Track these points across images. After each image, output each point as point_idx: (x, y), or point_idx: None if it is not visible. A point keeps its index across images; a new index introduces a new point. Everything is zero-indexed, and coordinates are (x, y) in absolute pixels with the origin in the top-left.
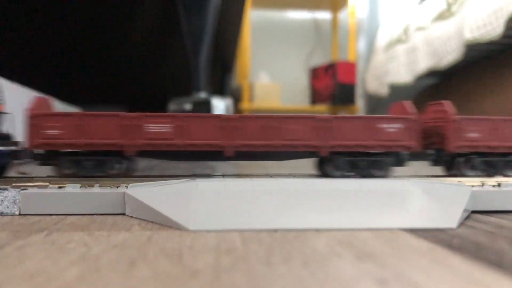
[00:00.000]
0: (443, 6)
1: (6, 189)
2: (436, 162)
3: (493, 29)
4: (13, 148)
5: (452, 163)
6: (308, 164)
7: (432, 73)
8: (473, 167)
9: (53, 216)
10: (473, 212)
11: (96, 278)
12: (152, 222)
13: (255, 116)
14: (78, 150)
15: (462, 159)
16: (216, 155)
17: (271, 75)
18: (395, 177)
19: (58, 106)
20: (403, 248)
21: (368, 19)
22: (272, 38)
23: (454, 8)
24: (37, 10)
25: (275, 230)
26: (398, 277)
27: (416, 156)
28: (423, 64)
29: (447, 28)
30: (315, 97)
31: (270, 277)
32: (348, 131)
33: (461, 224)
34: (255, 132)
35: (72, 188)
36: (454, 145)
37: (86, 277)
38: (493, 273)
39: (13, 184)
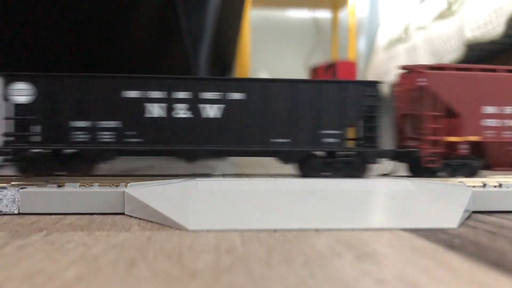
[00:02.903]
0: (444, 5)
1: (5, 187)
2: None
3: (494, 28)
4: None
5: None
6: None
7: None
8: None
9: (53, 216)
10: (474, 212)
11: (95, 278)
12: (151, 221)
13: None
14: None
15: None
16: None
17: (271, 74)
18: (397, 177)
19: None
20: (403, 248)
21: (369, 18)
22: (272, 37)
23: (454, 7)
24: (35, 10)
25: (275, 230)
26: (399, 278)
27: None
28: (424, 63)
29: (447, 27)
30: None
31: (270, 277)
32: None
33: (462, 224)
34: None
35: (71, 187)
36: None
37: (86, 277)
38: (494, 273)
39: (12, 183)
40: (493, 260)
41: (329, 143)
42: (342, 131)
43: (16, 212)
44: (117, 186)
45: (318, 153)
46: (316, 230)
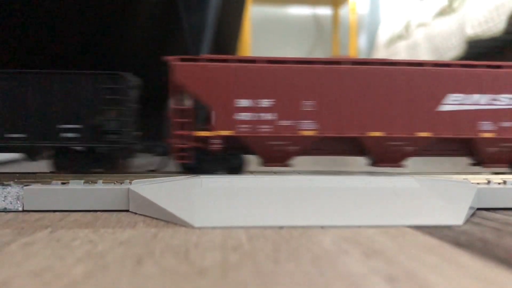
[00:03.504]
0: (445, 2)
1: (9, 184)
2: None
3: (495, 25)
4: None
5: None
6: (310, 160)
7: None
8: None
9: (57, 213)
10: (478, 209)
11: (103, 275)
12: (156, 219)
13: None
14: None
15: None
16: None
17: None
18: (401, 174)
19: None
20: (410, 245)
21: (369, 15)
22: (273, 34)
23: (455, 4)
24: (37, 10)
25: (281, 227)
26: (407, 275)
27: None
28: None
29: (448, 24)
30: None
31: (278, 274)
32: None
33: (467, 221)
34: None
35: (76, 184)
36: None
37: (94, 275)
38: (503, 270)
39: (16, 180)
40: (500, 257)
41: (67, 138)
42: (82, 125)
43: (20, 209)
44: (121, 183)
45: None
46: (322, 227)
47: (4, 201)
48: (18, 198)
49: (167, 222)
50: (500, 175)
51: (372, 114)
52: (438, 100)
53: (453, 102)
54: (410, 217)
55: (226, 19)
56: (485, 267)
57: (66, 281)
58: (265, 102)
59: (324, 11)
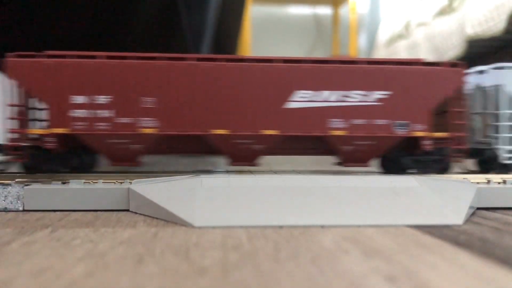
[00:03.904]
0: (445, 2)
1: (10, 184)
2: None
3: (495, 25)
4: None
5: None
6: (312, 160)
7: None
8: None
9: (57, 212)
10: (478, 208)
11: (104, 274)
12: (156, 218)
13: None
14: None
15: None
16: None
17: None
18: (401, 174)
19: None
20: (410, 244)
21: (369, 14)
22: (273, 33)
23: (455, 4)
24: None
25: (281, 227)
26: (407, 274)
27: None
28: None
29: (448, 23)
30: None
31: (279, 273)
32: None
33: (467, 220)
34: None
35: (76, 184)
36: None
37: (95, 274)
38: (503, 270)
39: (17, 180)
40: (500, 257)
41: None
42: None
43: (20, 208)
44: (121, 182)
45: None
46: (322, 227)
47: (4, 200)
48: (18, 198)
49: (167, 221)
50: (500, 175)
51: (217, 112)
52: (285, 97)
53: (301, 99)
54: (410, 216)
55: (226, 19)
56: (484, 266)
57: (66, 280)
58: (102, 99)
59: (324, 10)
